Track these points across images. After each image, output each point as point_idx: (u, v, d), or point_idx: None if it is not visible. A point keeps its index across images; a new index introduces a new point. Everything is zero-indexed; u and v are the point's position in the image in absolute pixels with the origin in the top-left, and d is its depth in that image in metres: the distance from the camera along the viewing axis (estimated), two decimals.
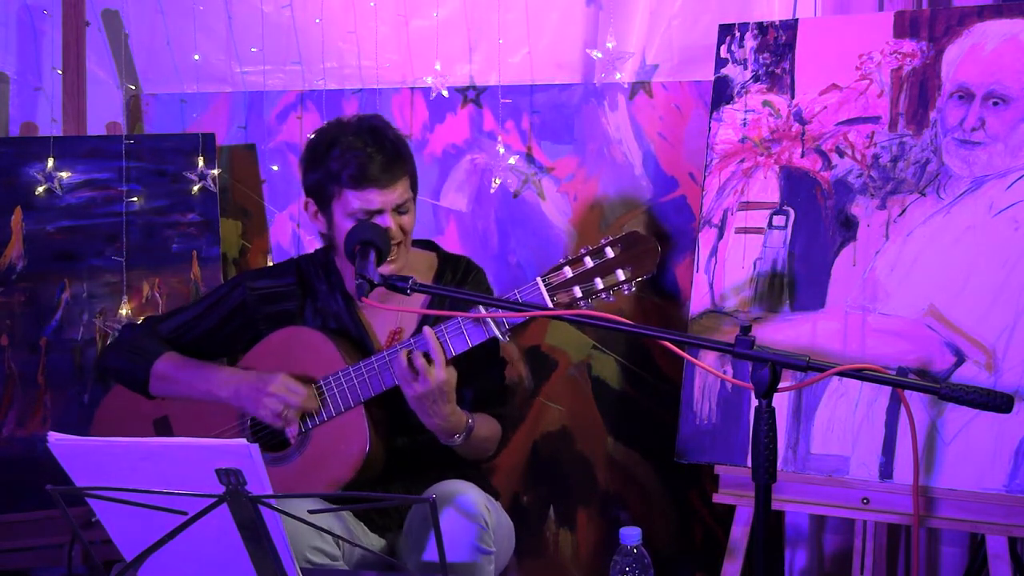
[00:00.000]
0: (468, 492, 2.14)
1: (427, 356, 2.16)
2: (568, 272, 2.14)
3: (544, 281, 2.15)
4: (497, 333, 2.15)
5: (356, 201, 2.24)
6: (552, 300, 2.14)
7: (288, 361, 2.31)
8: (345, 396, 2.25)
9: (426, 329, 2.17)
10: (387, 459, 2.31)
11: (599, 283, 2.14)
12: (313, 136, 2.36)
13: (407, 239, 2.32)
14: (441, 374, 2.15)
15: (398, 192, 2.27)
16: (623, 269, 2.14)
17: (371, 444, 2.24)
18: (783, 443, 2.34)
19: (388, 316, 2.37)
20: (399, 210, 2.28)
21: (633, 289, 2.16)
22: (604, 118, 3.02)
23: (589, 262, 2.14)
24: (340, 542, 2.17)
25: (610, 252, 2.14)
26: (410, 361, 2.16)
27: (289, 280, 2.42)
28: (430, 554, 2.10)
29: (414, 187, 2.34)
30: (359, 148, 2.25)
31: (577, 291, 2.14)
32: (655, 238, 2.17)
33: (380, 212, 2.25)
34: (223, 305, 2.42)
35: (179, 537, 1.62)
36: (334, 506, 2.14)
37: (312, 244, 3.08)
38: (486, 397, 2.38)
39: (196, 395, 2.35)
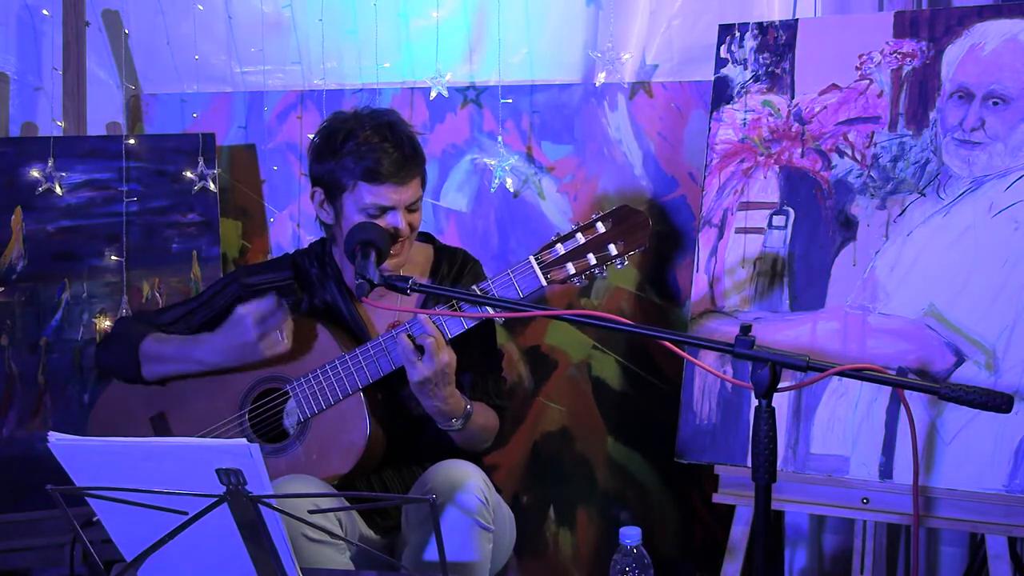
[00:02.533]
0: (466, 468, 2.14)
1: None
2: (560, 249, 2.14)
3: (537, 259, 2.14)
4: (491, 312, 2.13)
5: (369, 196, 2.23)
6: (546, 277, 2.14)
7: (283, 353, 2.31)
8: (343, 383, 2.24)
9: (420, 315, 2.17)
10: (386, 446, 2.31)
11: (592, 258, 2.13)
12: (326, 125, 2.33)
13: (413, 235, 2.32)
14: (444, 356, 2.15)
15: (411, 190, 2.27)
16: (615, 243, 2.13)
17: (371, 432, 2.24)
18: (783, 443, 2.34)
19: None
20: (410, 208, 2.28)
21: (626, 263, 2.16)
22: (604, 118, 3.02)
23: (581, 238, 2.13)
24: (342, 521, 2.17)
25: (601, 227, 2.14)
26: (416, 344, 2.15)
27: (285, 275, 2.41)
28: (431, 552, 2.10)
29: (423, 185, 2.34)
30: (376, 143, 2.24)
31: (570, 268, 2.14)
32: (644, 211, 2.17)
33: (392, 209, 2.25)
34: (217, 301, 2.41)
35: (179, 537, 1.62)
36: (334, 506, 2.14)
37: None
38: (484, 384, 2.39)
39: (185, 368, 2.33)
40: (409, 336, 2.16)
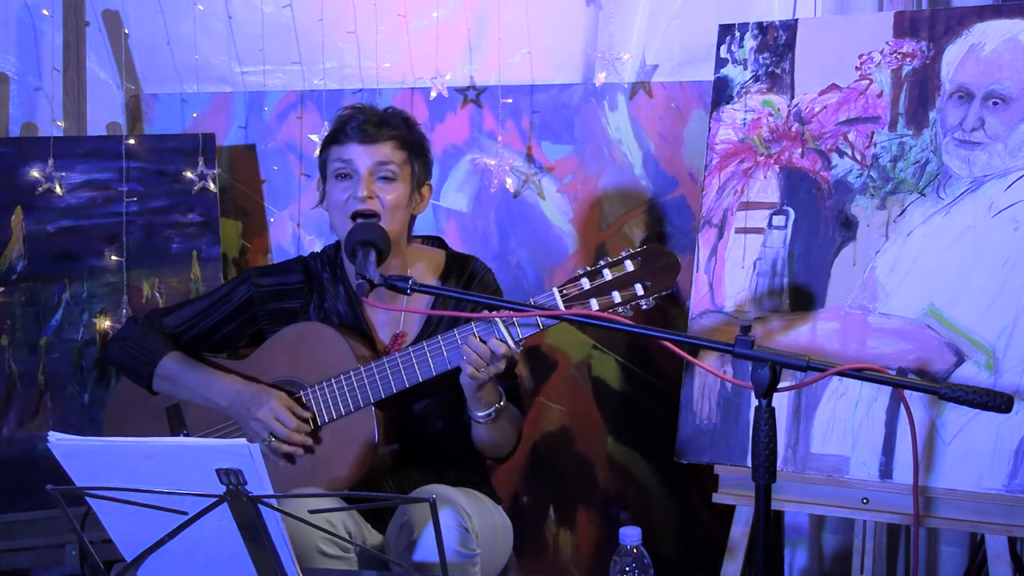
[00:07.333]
0: (447, 495, 2.12)
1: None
2: (586, 283, 2.10)
3: (561, 292, 2.11)
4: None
5: (336, 156, 2.27)
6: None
7: (300, 357, 2.30)
8: (365, 392, 2.22)
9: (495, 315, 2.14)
10: (395, 458, 2.30)
11: (616, 296, 2.09)
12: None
13: (391, 217, 2.27)
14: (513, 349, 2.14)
15: (381, 152, 2.26)
16: (642, 283, 2.09)
17: (380, 444, 2.23)
18: (783, 443, 2.34)
19: (392, 318, 2.37)
20: (382, 176, 2.27)
21: (651, 304, 2.12)
22: (604, 118, 3.02)
23: (608, 274, 2.10)
24: (350, 531, 2.16)
25: (629, 265, 2.10)
26: (483, 342, 2.13)
27: (296, 279, 2.41)
28: (417, 556, 2.10)
29: (412, 164, 2.32)
30: (350, 112, 2.30)
31: (594, 303, 2.10)
32: (675, 254, 2.13)
33: (358, 172, 2.25)
34: (229, 301, 2.41)
35: (179, 537, 1.62)
36: (334, 506, 2.13)
37: (311, 243, 3.08)
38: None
39: (197, 400, 2.35)
40: (478, 338, 2.14)
